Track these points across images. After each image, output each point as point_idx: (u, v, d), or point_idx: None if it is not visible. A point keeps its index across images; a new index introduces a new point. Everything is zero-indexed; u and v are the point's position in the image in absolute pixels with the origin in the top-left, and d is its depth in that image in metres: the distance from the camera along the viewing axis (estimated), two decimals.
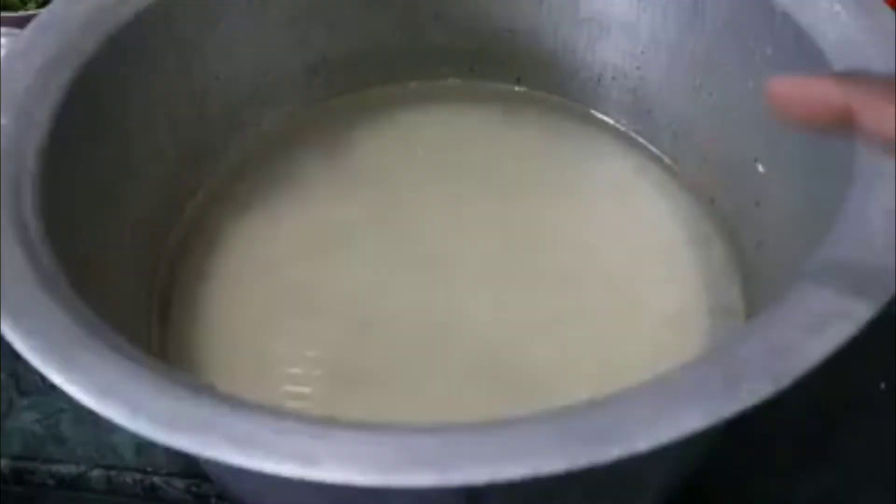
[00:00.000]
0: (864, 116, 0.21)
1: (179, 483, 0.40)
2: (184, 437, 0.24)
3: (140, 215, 0.40)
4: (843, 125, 0.22)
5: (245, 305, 0.40)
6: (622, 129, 0.47)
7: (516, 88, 0.49)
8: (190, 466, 0.40)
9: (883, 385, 0.42)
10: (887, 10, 0.35)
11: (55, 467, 0.41)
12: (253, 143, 0.46)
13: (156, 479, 0.40)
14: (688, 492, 0.36)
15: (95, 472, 0.41)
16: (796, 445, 0.40)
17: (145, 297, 0.40)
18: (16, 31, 0.47)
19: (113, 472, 0.41)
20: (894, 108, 0.21)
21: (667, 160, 0.45)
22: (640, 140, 0.46)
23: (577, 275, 0.41)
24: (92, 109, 0.36)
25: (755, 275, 0.40)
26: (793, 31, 0.36)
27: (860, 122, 0.21)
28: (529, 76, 0.48)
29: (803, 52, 0.36)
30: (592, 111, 0.48)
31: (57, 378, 0.26)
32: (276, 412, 0.25)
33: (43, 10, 0.38)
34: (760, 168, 0.39)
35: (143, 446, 0.41)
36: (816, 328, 0.26)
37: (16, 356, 0.26)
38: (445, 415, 0.25)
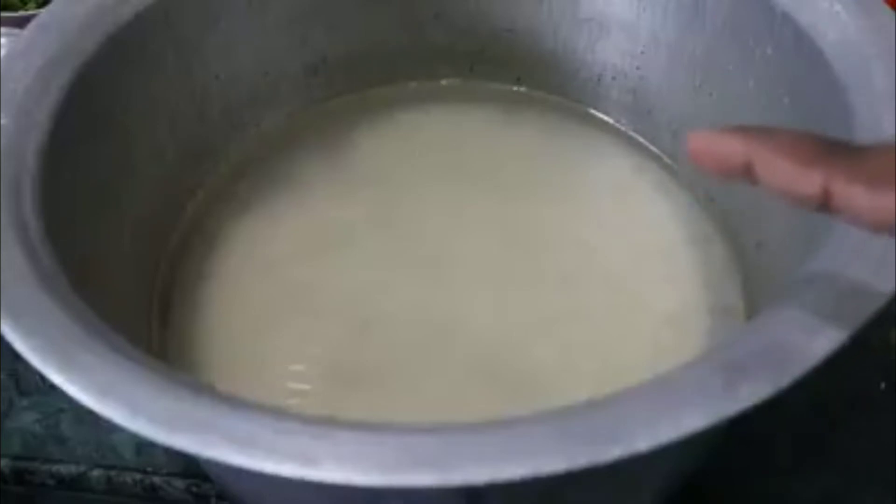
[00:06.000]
0: (760, 169, 0.23)
1: (179, 483, 0.40)
2: (184, 437, 0.24)
3: (140, 215, 0.40)
4: (749, 177, 0.23)
5: (245, 305, 0.40)
6: (622, 129, 0.47)
7: (516, 88, 0.49)
8: (190, 466, 0.40)
9: (883, 385, 0.42)
10: (887, 10, 0.35)
11: (55, 467, 0.41)
12: (253, 143, 0.46)
13: (156, 479, 0.40)
14: (688, 492, 0.36)
15: (95, 472, 0.41)
16: (796, 445, 0.40)
17: (145, 298, 0.40)
18: (16, 31, 0.47)
19: (113, 472, 0.41)
20: (788, 160, 0.22)
21: (666, 160, 0.45)
22: (640, 140, 0.46)
23: (577, 275, 0.41)
24: (92, 109, 0.36)
25: (755, 275, 0.40)
26: (793, 31, 0.36)
27: (758, 176, 0.23)
28: (529, 76, 0.48)
29: (803, 52, 0.36)
30: (592, 111, 0.48)
31: (57, 378, 0.26)
32: (276, 412, 0.25)
33: (43, 10, 0.38)
34: None
35: (143, 446, 0.41)
36: (816, 328, 0.26)
37: (16, 356, 0.26)
38: (445, 415, 0.25)
